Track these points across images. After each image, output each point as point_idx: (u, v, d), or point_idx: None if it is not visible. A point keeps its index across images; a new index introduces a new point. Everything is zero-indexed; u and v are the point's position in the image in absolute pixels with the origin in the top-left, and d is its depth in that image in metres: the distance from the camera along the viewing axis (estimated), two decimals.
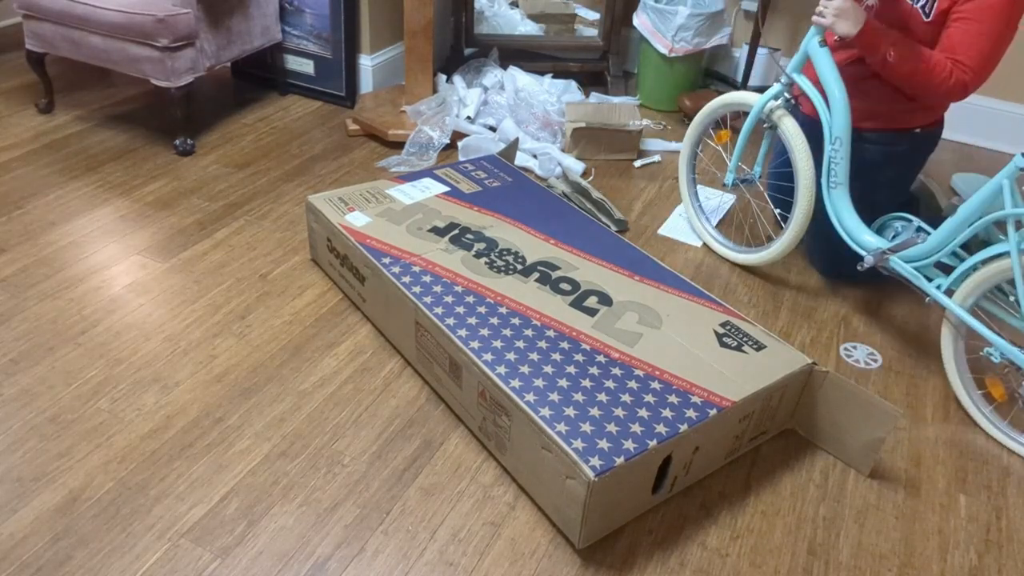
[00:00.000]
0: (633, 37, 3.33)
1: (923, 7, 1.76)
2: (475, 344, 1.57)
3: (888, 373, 1.87)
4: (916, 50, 1.72)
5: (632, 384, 1.50)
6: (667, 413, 1.43)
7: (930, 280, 1.75)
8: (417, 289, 1.72)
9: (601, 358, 1.56)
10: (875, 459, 1.58)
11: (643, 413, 1.43)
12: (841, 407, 1.58)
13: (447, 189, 2.14)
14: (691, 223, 2.35)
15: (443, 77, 2.99)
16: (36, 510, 1.42)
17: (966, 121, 2.99)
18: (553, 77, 3.08)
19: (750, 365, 1.56)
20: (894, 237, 1.86)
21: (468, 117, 2.76)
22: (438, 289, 1.73)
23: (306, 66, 2.98)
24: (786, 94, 1.98)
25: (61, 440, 1.56)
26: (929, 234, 1.76)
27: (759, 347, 1.62)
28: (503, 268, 1.82)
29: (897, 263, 1.79)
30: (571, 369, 1.53)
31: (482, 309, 1.68)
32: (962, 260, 1.70)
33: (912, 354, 1.94)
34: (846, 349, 1.92)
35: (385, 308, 1.83)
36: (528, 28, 3.37)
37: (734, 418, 1.51)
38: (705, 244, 2.30)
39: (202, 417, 1.64)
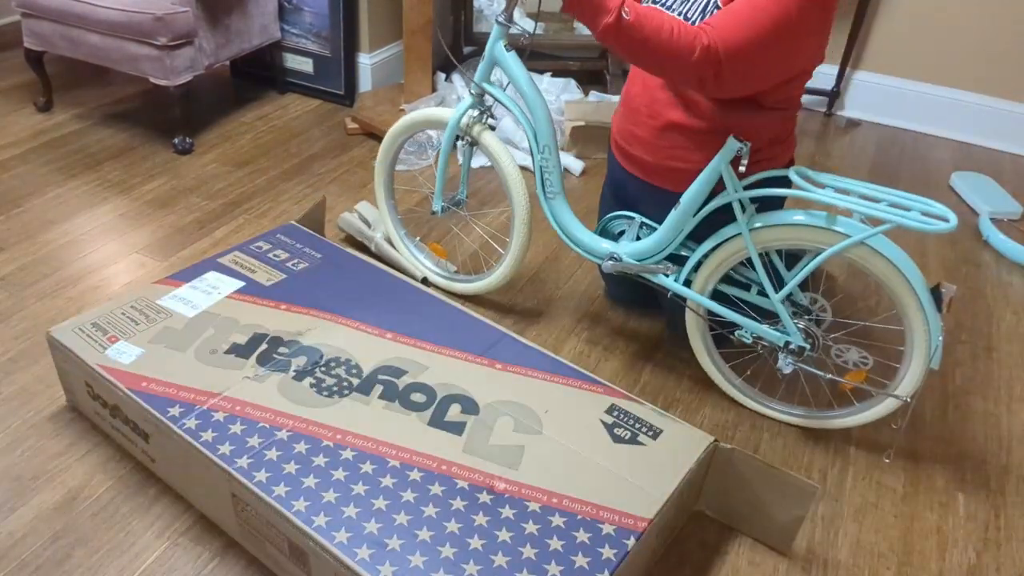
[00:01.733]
0: None
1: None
2: (321, 520, 1.21)
3: (886, 372, 1.88)
4: (657, 11, 1.41)
5: (530, 527, 1.23)
6: (581, 561, 1.18)
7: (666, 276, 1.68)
8: (225, 449, 1.31)
9: (486, 496, 1.27)
10: (795, 537, 1.42)
11: (554, 570, 1.17)
12: (752, 484, 1.40)
13: (241, 284, 1.68)
14: (403, 258, 2.04)
15: (442, 76, 2.99)
16: (35, 509, 1.42)
17: (966, 120, 3.00)
18: (552, 76, 3.08)
19: (652, 460, 1.36)
20: (620, 234, 1.76)
21: None
22: (254, 442, 1.32)
23: (305, 65, 2.98)
24: (480, 107, 1.80)
25: (60, 439, 1.56)
26: (654, 229, 1.70)
27: (655, 433, 1.41)
28: (335, 389, 1.44)
29: (631, 262, 1.69)
30: (454, 527, 1.22)
31: (320, 460, 1.30)
32: (693, 250, 1.65)
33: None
34: (837, 351, 1.91)
35: (185, 472, 1.40)
36: (527, 27, 3.37)
37: (652, 536, 1.30)
38: (425, 279, 2.01)
39: None
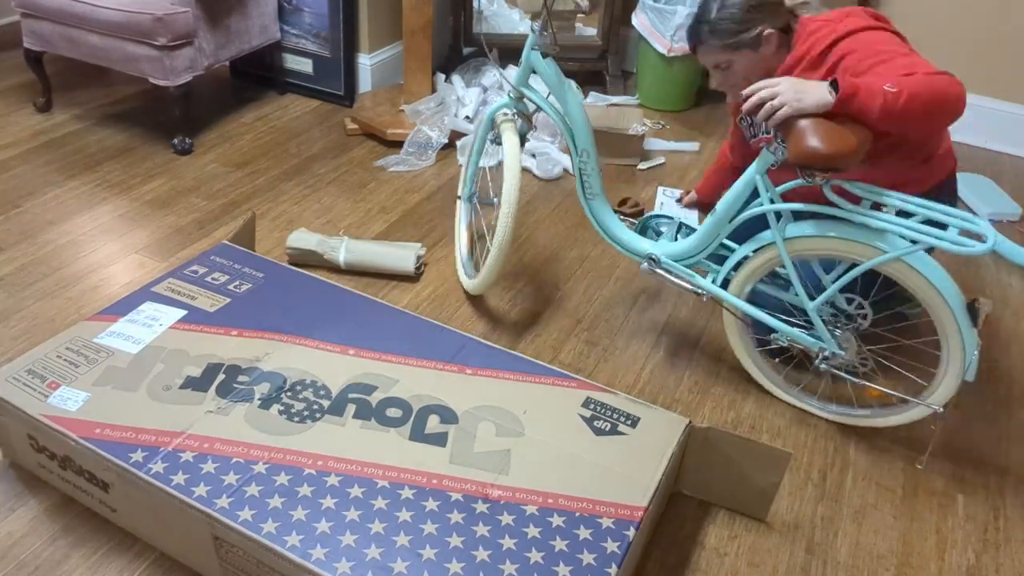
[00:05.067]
0: (632, 36, 3.33)
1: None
2: (319, 553, 1.15)
3: (885, 374, 1.87)
4: (904, 74, 1.38)
5: (532, 531, 1.21)
6: (588, 558, 1.18)
7: (704, 276, 1.71)
8: (201, 490, 1.22)
9: (482, 506, 1.24)
10: (771, 503, 1.48)
11: (564, 571, 1.16)
12: (728, 460, 1.44)
13: (183, 313, 1.57)
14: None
15: (442, 76, 2.99)
16: (34, 509, 1.42)
17: (965, 121, 2.99)
18: None
19: (636, 448, 1.36)
20: (658, 236, 1.82)
21: (467, 117, 2.75)
22: (231, 479, 1.24)
23: (305, 65, 2.98)
24: (515, 107, 1.84)
25: None
26: (694, 231, 1.73)
27: (634, 422, 1.41)
28: (306, 413, 1.38)
29: (669, 263, 1.73)
30: (456, 541, 1.19)
31: (306, 490, 1.24)
32: (732, 250, 1.68)
33: (905, 352, 1.94)
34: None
35: (155, 519, 1.31)
36: (527, 27, 3.37)
37: (647, 523, 1.31)
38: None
39: None
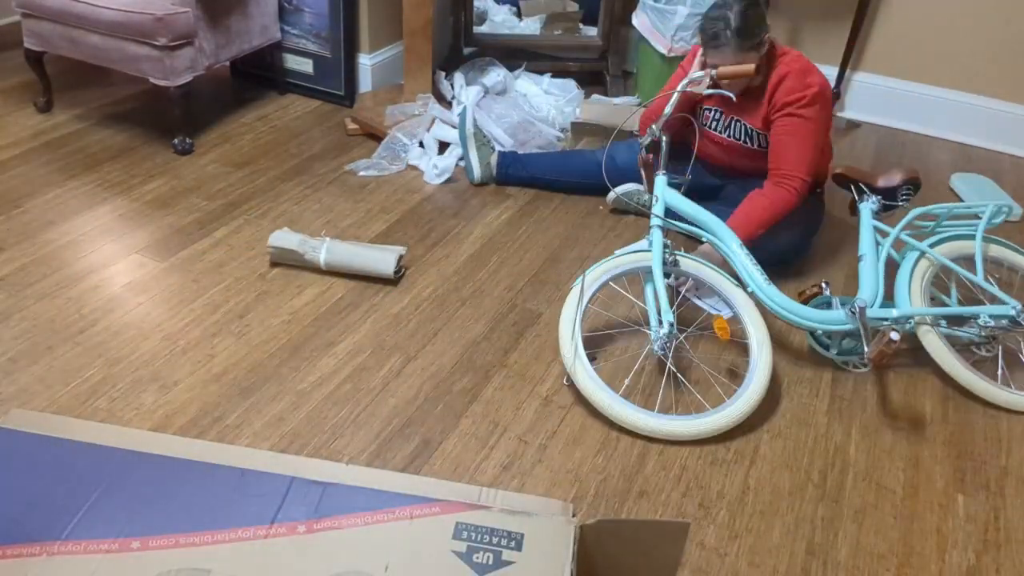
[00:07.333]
0: (632, 37, 3.33)
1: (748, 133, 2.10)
2: None
3: (886, 374, 1.88)
4: (756, 215, 1.97)
5: None
6: None
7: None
8: None
9: None
10: (676, 573, 1.34)
11: None
12: (623, 545, 1.28)
13: None
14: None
15: (442, 75, 2.99)
16: None
17: (965, 121, 3.00)
18: (552, 77, 3.08)
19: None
20: (829, 306, 1.88)
21: (458, 115, 2.75)
22: None
23: (305, 65, 2.98)
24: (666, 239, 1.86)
25: None
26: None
27: (518, 542, 1.20)
28: None
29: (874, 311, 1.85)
30: None
31: None
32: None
33: (908, 354, 1.94)
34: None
35: None
36: (527, 27, 3.38)
37: None
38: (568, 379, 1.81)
39: (200, 416, 1.64)
